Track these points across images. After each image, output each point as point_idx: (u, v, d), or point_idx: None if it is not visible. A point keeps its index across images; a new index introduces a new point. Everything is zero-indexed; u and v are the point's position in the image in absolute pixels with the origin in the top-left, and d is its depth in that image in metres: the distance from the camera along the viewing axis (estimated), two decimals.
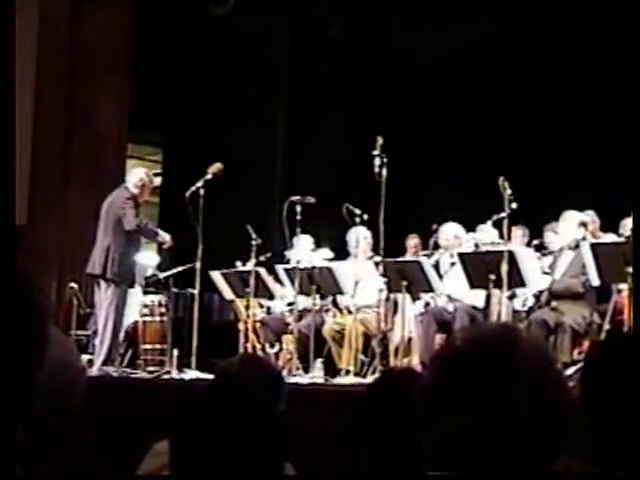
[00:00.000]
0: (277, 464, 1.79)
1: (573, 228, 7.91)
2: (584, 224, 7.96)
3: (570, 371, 6.22)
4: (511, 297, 8.02)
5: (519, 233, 9.10)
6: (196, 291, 8.59)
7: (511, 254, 7.48)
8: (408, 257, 9.22)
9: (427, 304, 8.53)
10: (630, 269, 6.77)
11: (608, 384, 1.87)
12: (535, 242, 8.57)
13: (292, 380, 7.57)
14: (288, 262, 9.02)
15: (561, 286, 7.79)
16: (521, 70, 11.09)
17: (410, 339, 8.45)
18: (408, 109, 11.70)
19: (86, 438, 5.94)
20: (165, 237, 8.74)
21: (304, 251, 9.11)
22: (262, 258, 9.06)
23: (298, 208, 8.47)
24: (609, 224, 8.54)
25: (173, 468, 1.77)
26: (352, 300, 8.50)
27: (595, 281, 7.29)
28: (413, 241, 9.94)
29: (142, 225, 8.53)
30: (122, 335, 9.14)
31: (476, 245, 8.46)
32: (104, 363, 8.27)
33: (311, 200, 8.59)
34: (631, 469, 1.74)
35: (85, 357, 8.56)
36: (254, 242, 8.93)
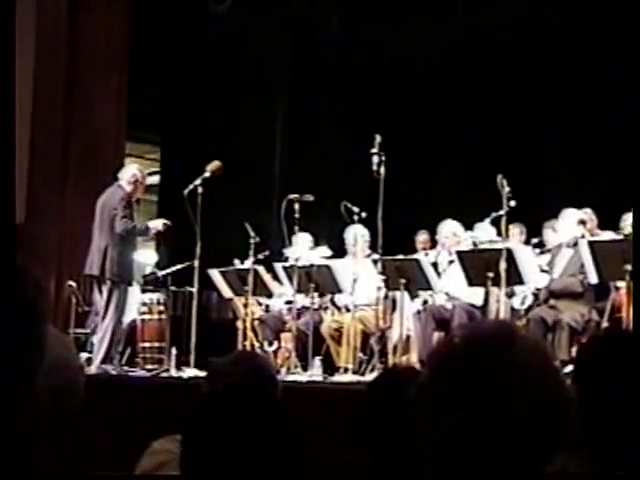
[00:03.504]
0: (287, 466, 1.78)
1: (573, 226, 7.91)
2: (583, 222, 7.97)
3: (568, 369, 6.23)
4: (510, 295, 8.02)
5: (516, 231, 9.09)
6: (194, 289, 8.58)
7: (509, 252, 7.47)
8: (417, 254, 9.19)
9: (425, 302, 8.52)
10: (628, 266, 6.78)
11: (598, 383, 1.87)
12: (535, 240, 8.56)
13: (290, 378, 7.57)
14: (286, 260, 9.01)
15: (560, 285, 7.79)
16: (518, 67, 11.08)
17: (408, 337, 8.45)
18: (406, 107, 11.69)
19: (85, 436, 5.93)
20: (158, 226, 8.71)
21: (302, 249, 9.11)
22: (260, 256, 9.06)
23: (296, 206, 8.46)
24: (607, 222, 8.54)
25: (183, 468, 1.77)
26: (350, 298, 8.49)
27: (593, 279, 7.28)
28: (422, 237, 9.96)
29: (130, 228, 8.47)
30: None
31: (474, 244, 8.46)
32: (103, 361, 8.27)
33: (309, 198, 8.58)
34: (626, 469, 1.74)
35: (84, 355, 8.57)
36: (252, 240, 8.91)
